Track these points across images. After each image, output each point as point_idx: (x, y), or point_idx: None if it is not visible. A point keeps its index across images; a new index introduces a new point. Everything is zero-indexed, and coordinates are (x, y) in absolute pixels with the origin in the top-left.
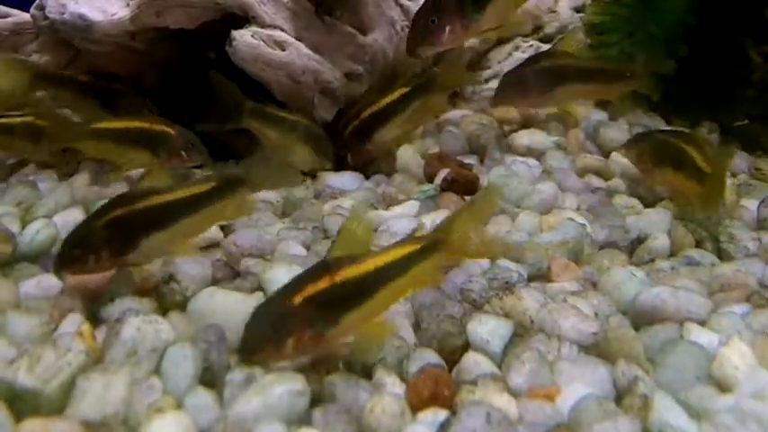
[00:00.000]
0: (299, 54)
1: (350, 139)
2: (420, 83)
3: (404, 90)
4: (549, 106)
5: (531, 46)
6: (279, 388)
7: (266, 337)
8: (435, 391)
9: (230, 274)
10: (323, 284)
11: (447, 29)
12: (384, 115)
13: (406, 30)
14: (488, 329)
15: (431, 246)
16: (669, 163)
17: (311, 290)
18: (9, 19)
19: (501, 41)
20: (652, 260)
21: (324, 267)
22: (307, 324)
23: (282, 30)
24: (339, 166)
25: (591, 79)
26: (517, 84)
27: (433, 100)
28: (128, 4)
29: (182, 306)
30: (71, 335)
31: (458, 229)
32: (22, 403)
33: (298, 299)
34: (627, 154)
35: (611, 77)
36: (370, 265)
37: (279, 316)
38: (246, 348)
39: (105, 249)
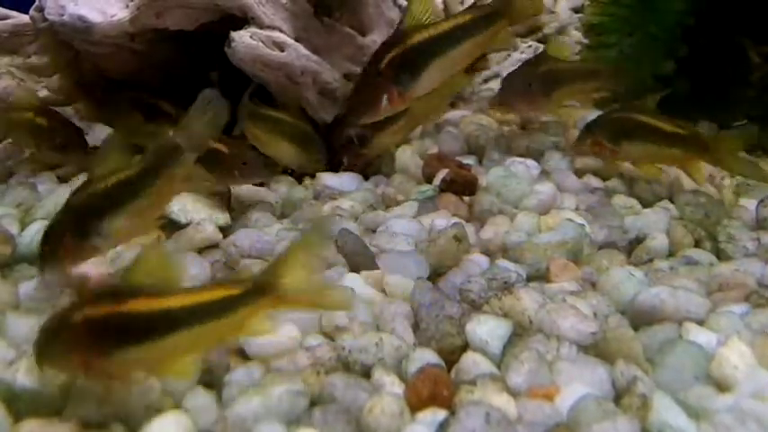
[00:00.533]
0: (297, 55)
1: (346, 142)
2: None
3: None
4: (547, 111)
5: (530, 47)
6: (278, 388)
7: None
8: (434, 391)
9: (229, 274)
10: (105, 309)
11: (384, 99)
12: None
13: None
14: (487, 330)
15: (255, 290)
16: (638, 136)
17: (92, 311)
18: (8, 21)
19: None
20: (651, 260)
21: (112, 293)
22: (89, 346)
23: (281, 31)
24: (337, 166)
25: (587, 80)
26: (516, 88)
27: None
28: (127, 6)
29: None
30: None
31: (289, 272)
32: (21, 404)
33: (78, 318)
34: (580, 148)
35: (604, 77)
36: (168, 301)
37: (58, 332)
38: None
39: (69, 238)
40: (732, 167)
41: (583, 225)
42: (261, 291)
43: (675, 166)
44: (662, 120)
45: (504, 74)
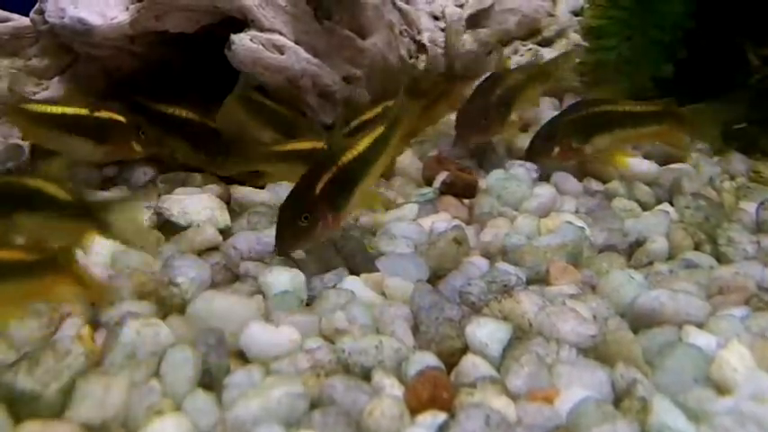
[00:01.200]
0: (297, 58)
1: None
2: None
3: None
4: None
5: (530, 50)
6: (278, 391)
7: None
8: (434, 394)
9: (229, 277)
10: None
11: (320, 224)
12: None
13: (406, 34)
14: (487, 332)
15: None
16: (611, 126)
17: None
18: (9, 23)
19: (500, 44)
20: (651, 263)
21: None
22: None
23: (281, 33)
24: None
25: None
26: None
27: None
28: (127, 8)
29: (181, 309)
30: (71, 338)
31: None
32: (22, 406)
33: None
34: (545, 159)
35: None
36: None
37: None
38: None
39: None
40: (709, 139)
41: (583, 228)
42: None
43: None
44: (629, 103)
45: None
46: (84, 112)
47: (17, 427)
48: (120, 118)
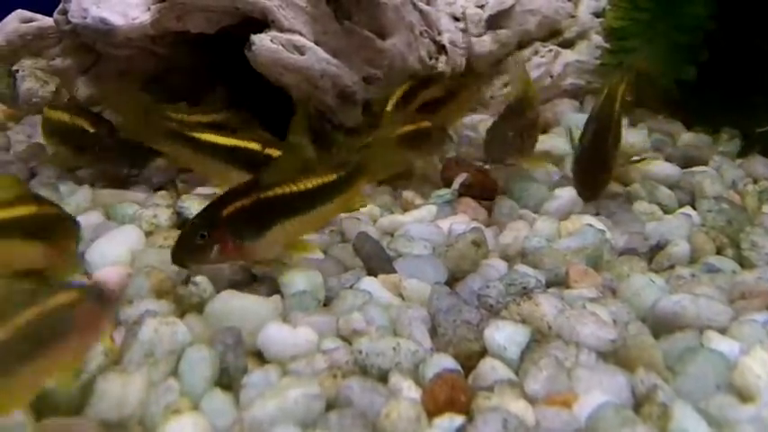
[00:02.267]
0: (317, 58)
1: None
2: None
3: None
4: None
5: (551, 51)
6: (294, 391)
7: None
8: (452, 397)
9: (247, 277)
10: None
11: (215, 248)
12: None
13: (425, 35)
14: (505, 335)
15: None
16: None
17: None
18: (33, 23)
19: (520, 46)
20: (672, 267)
21: None
22: None
23: (301, 34)
24: None
25: None
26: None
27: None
28: (148, 9)
29: (199, 308)
30: None
31: None
32: (42, 403)
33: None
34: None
35: None
36: None
37: None
38: None
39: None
40: None
41: (603, 231)
42: None
43: None
44: None
45: None
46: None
47: (38, 423)
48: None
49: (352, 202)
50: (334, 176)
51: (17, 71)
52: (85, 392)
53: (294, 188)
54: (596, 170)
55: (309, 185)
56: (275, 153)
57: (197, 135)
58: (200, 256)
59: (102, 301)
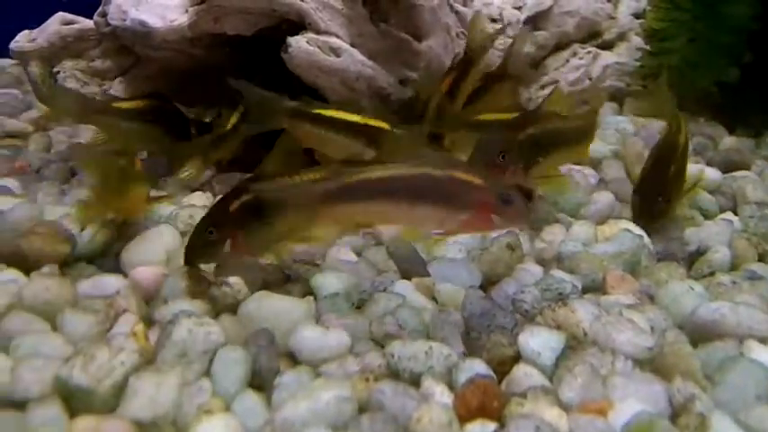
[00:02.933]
0: (353, 60)
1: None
2: None
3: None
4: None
5: (589, 53)
6: (326, 394)
7: None
8: (484, 403)
9: (281, 278)
10: None
11: (225, 243)
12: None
13: (462, 36)
14: (540, 341)
15: None
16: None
17: None
18: (74, 26)
19: (558, 48)
20: (712, 274)
21: None
22: None
23: (337, 36)
24: None
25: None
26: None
27: None
28: (186, 11)
29: (233, 309)
30: (125, 335)
31: None
32: (77, 401)
33: None
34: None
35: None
36: None
37: None
38: None
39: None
40: None
41: (641, 236)
42: None
43: None
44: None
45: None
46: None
47: (72, 421)
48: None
49: None
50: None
51: (58, 72)
52: (119, 391)
53: (297, 181)
54: (654, 199)
55: (311, 178)
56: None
57: (321, 112)
58: (210, 253)
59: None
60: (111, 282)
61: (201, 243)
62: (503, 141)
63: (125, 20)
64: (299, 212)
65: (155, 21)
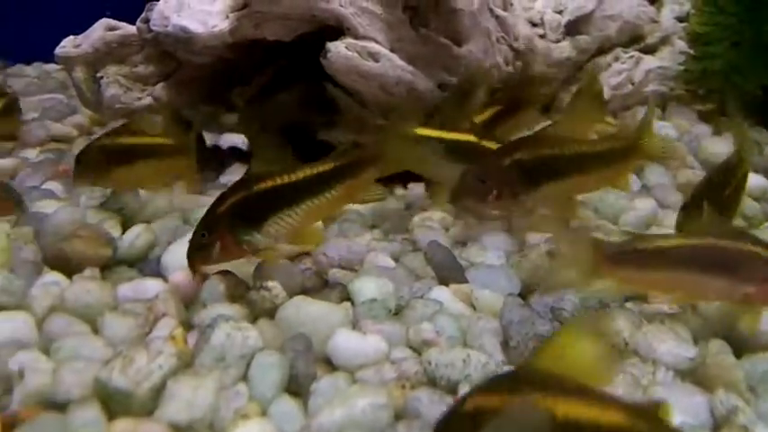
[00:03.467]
0: (392, 65)
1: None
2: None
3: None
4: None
5: (632, 57)
6: (363, 400)
7: None
8: None
9: (319, 283)
10: None
11: (217, 245)
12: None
13: (502, 41)
14: None
15: None
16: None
17: None
18: (117, 32)
19: (600, 52)
20: None
21: None
22: None
23: (376, 41)
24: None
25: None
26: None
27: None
28: (227, 17)
29: (271, 314)
30: (164, 338)
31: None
32: (115, 403)
33: None
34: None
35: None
36: None
37: None
38: None
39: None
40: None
41: None
42: None
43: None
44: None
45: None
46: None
47: (111, 423)
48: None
49: (361, 193)
50: (330, 166)
51: (102, 78)
52: (157, 394)
53: (287, 179)
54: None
55: (302, 175)
56: (491, 145)
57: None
58: (204, 256)
59: None
60: (151, 285)
61: (196, 246)
62: (484, 168)
63: (167, 26)
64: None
65: (196, 26)
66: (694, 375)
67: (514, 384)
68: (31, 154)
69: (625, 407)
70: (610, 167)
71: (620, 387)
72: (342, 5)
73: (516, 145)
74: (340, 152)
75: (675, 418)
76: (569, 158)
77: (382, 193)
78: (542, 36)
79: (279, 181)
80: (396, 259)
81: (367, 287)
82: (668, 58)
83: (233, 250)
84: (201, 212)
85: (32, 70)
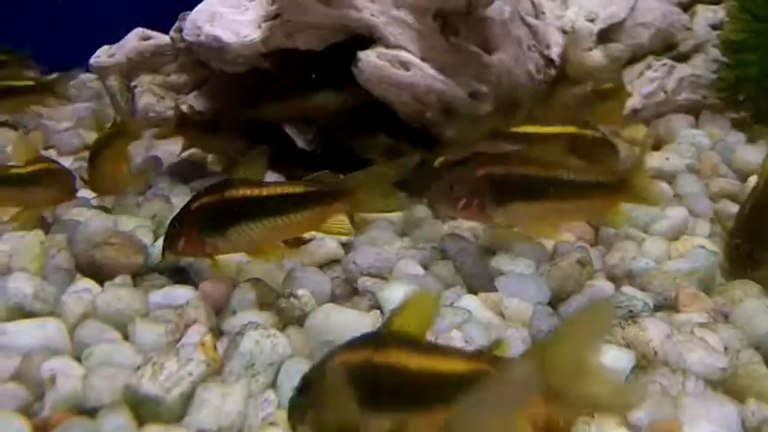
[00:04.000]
0: (423, 74)
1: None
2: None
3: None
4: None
5: (665, 65)
6: None
7: None
8: (549, 421)
9: (348, 291)
10: None
11: (181, 239)
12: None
13: (534, 49)
14: (609, 360)
15: None
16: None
17: None
18: (151, 41)
19: (633, 60)
20: None
21: None
22: None
23: (407, 50)
24: None
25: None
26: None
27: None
28: (259, 27)
29: (300, 321)
30: (194, 345)
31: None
32: (145, 409)
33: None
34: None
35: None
36: None
37: None
38: None
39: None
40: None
41: (716, 253)
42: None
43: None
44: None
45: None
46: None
47: (140, 429)
48: None
49: (329, 225)
50: (302, 189)
51: (135, 87)
52: (186, 401)
53: (258, 192)
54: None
55: (272, 192)
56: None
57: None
58: (170, 246)
59: None
60: (181, 293)
61: (167, 234)
62: (457, 176)
63: (200, 35)
64: None
65: (228, 36)
66: (725, 386)
67: (370, 343)
68: (66, 162)
69: (464, 354)
70: (589, 199)
71: (649, 397)
72: (373, 15)
73: (495, 159)
74: (317, 178)
75: (705, 429)
76: (543, 181)
77: (349, 230)
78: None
79: (248, 193)
80: (425, 267)
81: (396, 295)
82: (702, 66)
83: (196, 246)
84: None
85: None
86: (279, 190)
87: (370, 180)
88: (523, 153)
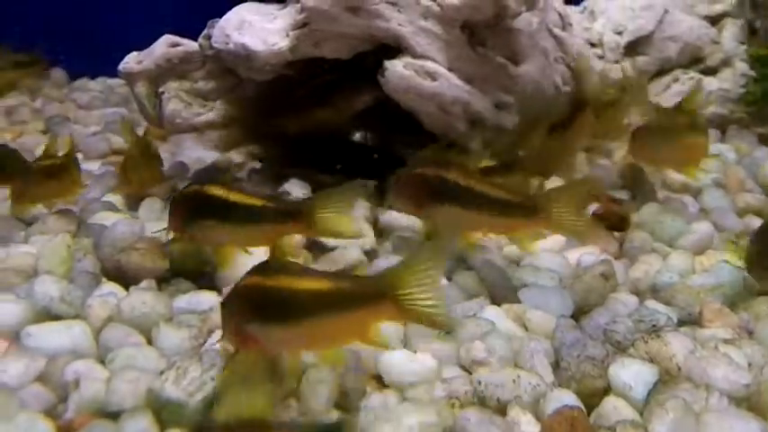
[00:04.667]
0: (449, 85)
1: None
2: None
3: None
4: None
5: (692, 78)
6: (412, 418)
7: None
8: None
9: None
10: None
11: (173, 223)
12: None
13: (560, 61)
14: (631, 374)
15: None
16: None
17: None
18: (179, 48)
19: (659, 73)
20: None
21: None
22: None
23: (434, 60)
24: None
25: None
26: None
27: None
28: (287, 35)
29: None
30: (217, 350)
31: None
32: (168, 413)
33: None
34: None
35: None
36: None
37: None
38: None
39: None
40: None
41: (741, 267)
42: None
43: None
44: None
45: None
46: None
47: None
48: None
49: (281, 244)
50: (260, 203)
51: (163, 93)
52: (209, 406)
53: (222, 195)
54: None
55: (234, 199)
56: None
57: None
58: (169, 225)
59: None
60: (205, 298)
61: (169, 213)
62: (402, 176)
63: (228, 43)
64: None
65: (256, 44)
66: (749, 402)
67: (263, 269)
68: (93, 166)
69: (332, 275)
70: (505, 218)
71: (671, 413)
72: (400, 24)
73: (438, 165)
74: (280, 196)
75: None
76: (465, 191)
77: (298, 259)
78: (601, 57)
79: (216, 192)
80: (449, 277)
81: None
82: (729, 80)
83: (181, 231)
84: None
85: (96, 85)
86: (240, 198)
87: (327, 203)
88: (466, 165)
